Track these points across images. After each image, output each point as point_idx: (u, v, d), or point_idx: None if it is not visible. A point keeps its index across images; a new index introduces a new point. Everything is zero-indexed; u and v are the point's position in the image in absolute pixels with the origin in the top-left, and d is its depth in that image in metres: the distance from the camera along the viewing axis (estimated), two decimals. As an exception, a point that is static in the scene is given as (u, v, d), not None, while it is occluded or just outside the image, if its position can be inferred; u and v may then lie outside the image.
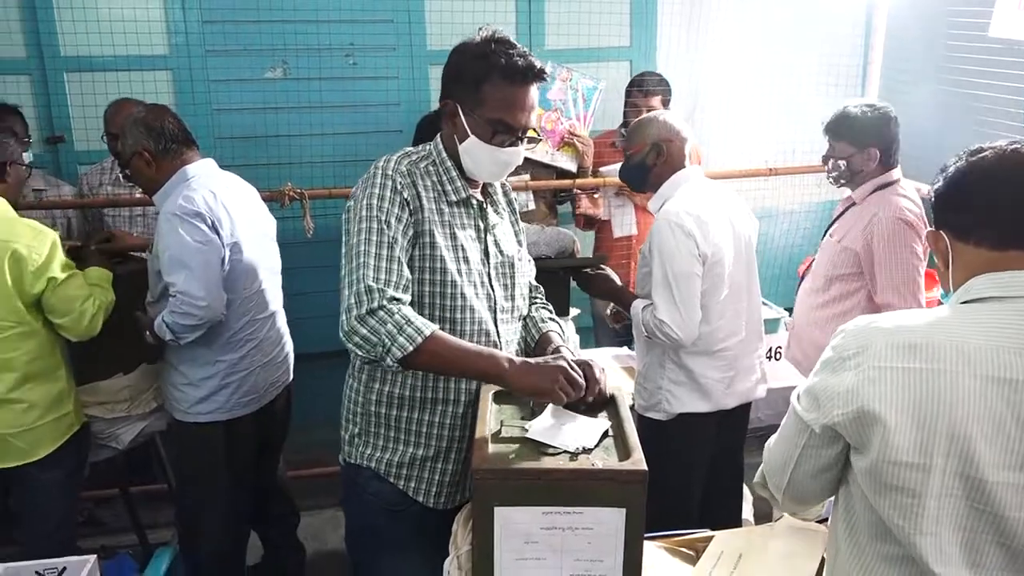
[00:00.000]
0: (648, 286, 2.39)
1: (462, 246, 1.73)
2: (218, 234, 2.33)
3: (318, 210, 3.23)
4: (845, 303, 2.70)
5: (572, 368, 1.60)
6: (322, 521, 3.36)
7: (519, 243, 1.92)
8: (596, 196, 3.55)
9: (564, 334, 1.95)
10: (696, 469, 2.54)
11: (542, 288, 2.05)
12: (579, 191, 3.51)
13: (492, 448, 1.50)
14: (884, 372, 1.16)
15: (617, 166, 3.46)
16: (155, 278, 2.40)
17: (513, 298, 1.85)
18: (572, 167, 3.48)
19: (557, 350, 1.77)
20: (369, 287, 1.58)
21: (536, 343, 1.89)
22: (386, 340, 1.56)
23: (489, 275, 1.79)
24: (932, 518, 1.14)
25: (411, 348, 1.56)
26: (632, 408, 2.16)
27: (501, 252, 1.82)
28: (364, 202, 1.66)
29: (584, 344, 3.28)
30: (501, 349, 1.77)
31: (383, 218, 1.64)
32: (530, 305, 1.97)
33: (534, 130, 1.76)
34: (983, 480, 1.12)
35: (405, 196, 1.68)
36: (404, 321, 1.57)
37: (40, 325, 2.30)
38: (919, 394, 1.14)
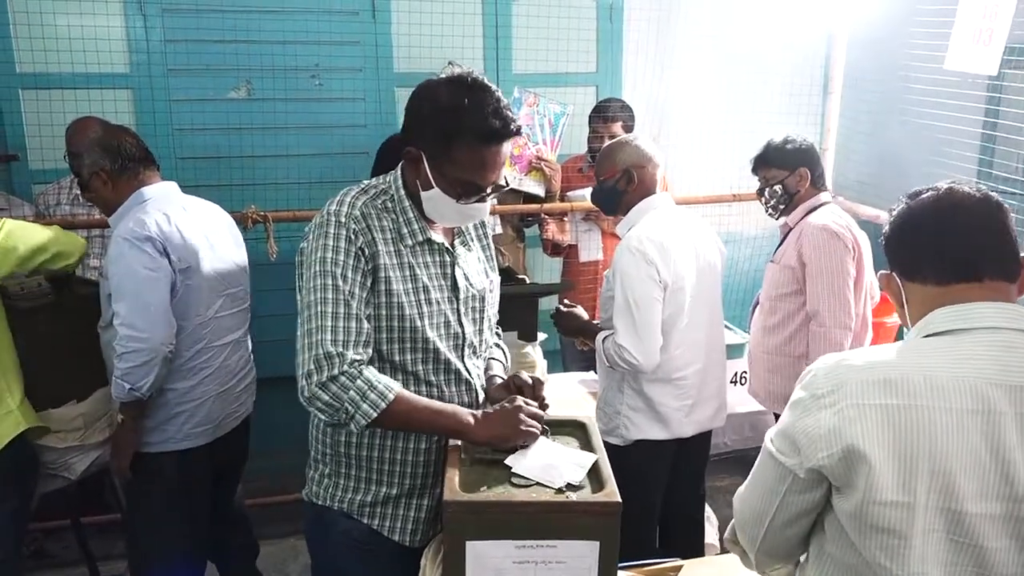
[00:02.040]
0: (611, 310, 2.40)
1: (424, 287, 1.66)
2: (168, 259, 2.27)
3: (282, 232, 3.18)
4: (791, 325, 2.75)
5: (527, 403, 1.62)
6: (283, 551, 3.27)
7: (489, 273, 1.86)
8: (564, 221, 3.56)
9: (506, 361, 1.95)
10: (654, 494, 2.55)
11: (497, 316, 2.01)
12: (546, 216, 3.51)
13: (463, 479, 1.47)
14: (863, 410, 1.15)
15: (584, 191, 3.50)
16: (106, 302, 2.33)
17: (482, 332, 1.80)
18: (540, 191, 3.49)
19: (504, 386, 1.76)
20: (328, 353, 1.53)
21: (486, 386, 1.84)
22: (349, 407, 1.53)
23: (458, 311, 1.72)
24: (919, 557, 1.14)
25: (375, 415, 1.53)
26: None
27: (471, 285, 1.75)
28: (318, 255, 1.58)
29: (551, 368, 3.27)
30: (473, 386, 1.74)
31: (338, 272, 1.57)
32: None
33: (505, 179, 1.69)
34: (963, 512, 1.12)
35: (360, 245, 1.60)
36: (367, 386, 1.53)
37: None
38: (899, 431, 1.14)
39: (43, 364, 2.48)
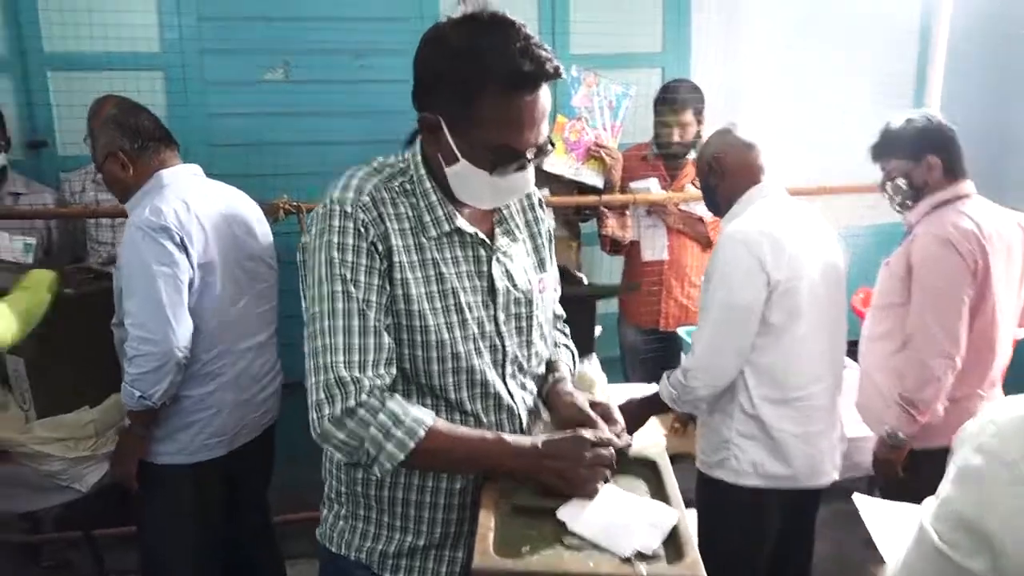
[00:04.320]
0: None
1: (452, 289, 1.34)
2: (187, 253, 2.02)
3: (317, 225, 2.91)
4: (899, 338, 2.33)
5: (597, 440, 1.29)
6: (312, 570, 3.01)
7: (543, 266, 1.51)
8: (625, 215, 3.22)
9: (574, 365, 1.62)
10: (765, 542, 2.15)
11: (563, 313, 1.69)
12: (605, 209, 3.18)
13: (500, 534, 1.17)
14: None
15: (648, 182, 3.16)
16: (119, 298, 2.10)
17: (530, 344, 1.45)
18: (598, 182, 3.15)
19: (575, 406, 1.42)
20: (341, 379, 1.23)
21: (545, 389, 1.52)
22: (371, 448, 1.23)
23: (496, 320, 1.39)
24: None
25: (402, 456, 1.24)
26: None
27: (514, 286, 1.42)
28: (322, 255, 1.28)
29: (611, 378, 2.92)
30: (516, 412, 1.42)
31: (348, 276, 1.26)
32: None
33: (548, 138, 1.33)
34: None
35: (372, 239, 1.28)
36: (391, 421, 1.24)
37: None
38: None
39: (53, 365, 2.28)
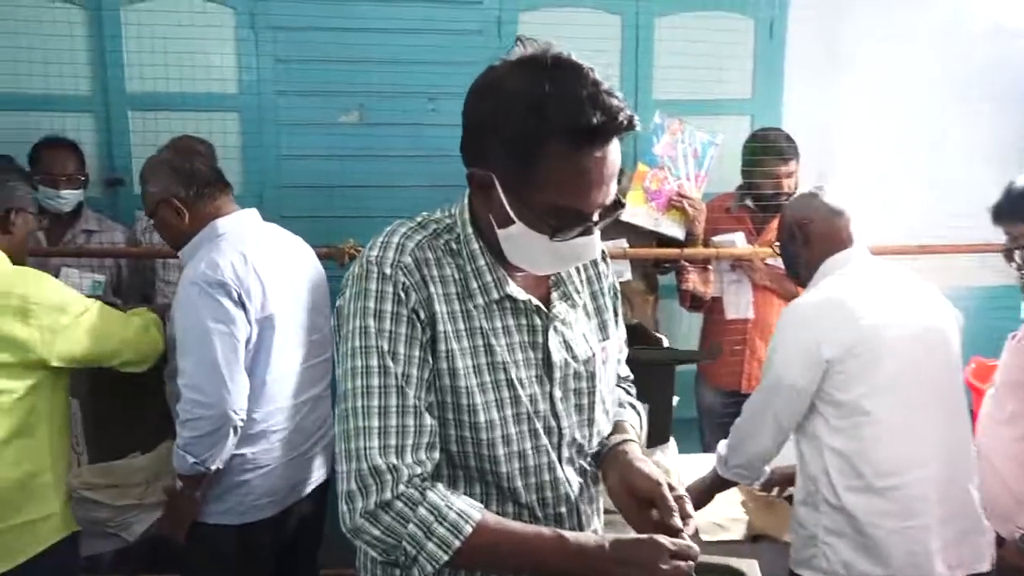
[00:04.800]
0: None
1: (503, 364, 1.18)
2: (244, 308, 1.92)
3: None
4: None
5: (677, 550, 1.09)
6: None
7: (605, 330, 1.33)
8: (708, 270, 3.02)
9: (640, 427, 1.42)
10: None
11: (630, 374, 1.50)
12: (687, 263, 2.98)
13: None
14: None
15: (735, 236, 2.96)
16: (172, 349, 2.01)
17: (591, 423, 1.28)
18: (679, 234, 2.96)
19: (650, 480, 1.20)
20: (376, 467, 1.09)
21: (603, 456, 1.32)
22: (410, 547, 1.08)
23: (551, 398, 1.22)
24: None
25: (446, 557, 1.08)
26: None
27: (574, 358, 1.25)
28: (357, 322, 1.14)
29: (686, 444, 2.69)
30: (572, 501, 1.25)
31: (386, 347, 1.12)
32: None
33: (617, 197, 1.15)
34: None
35: (413, 305, 1.14)
36: (433, 516, 1.08)
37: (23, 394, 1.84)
38: None
39: (105, 410, 2.21)
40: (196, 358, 1.87)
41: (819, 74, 3.45)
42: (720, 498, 2.10)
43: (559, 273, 1.27)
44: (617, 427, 1.35)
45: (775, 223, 2.98)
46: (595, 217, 1.12)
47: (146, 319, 2.08)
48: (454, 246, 1.20)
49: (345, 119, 3.31)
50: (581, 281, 1.32)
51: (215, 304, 1.87)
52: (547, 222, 1.11)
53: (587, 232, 1.14)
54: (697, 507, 1.78)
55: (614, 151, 1.09)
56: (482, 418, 1.16)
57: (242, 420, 1.90)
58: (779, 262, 2.91)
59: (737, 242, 2.94)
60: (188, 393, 1.87)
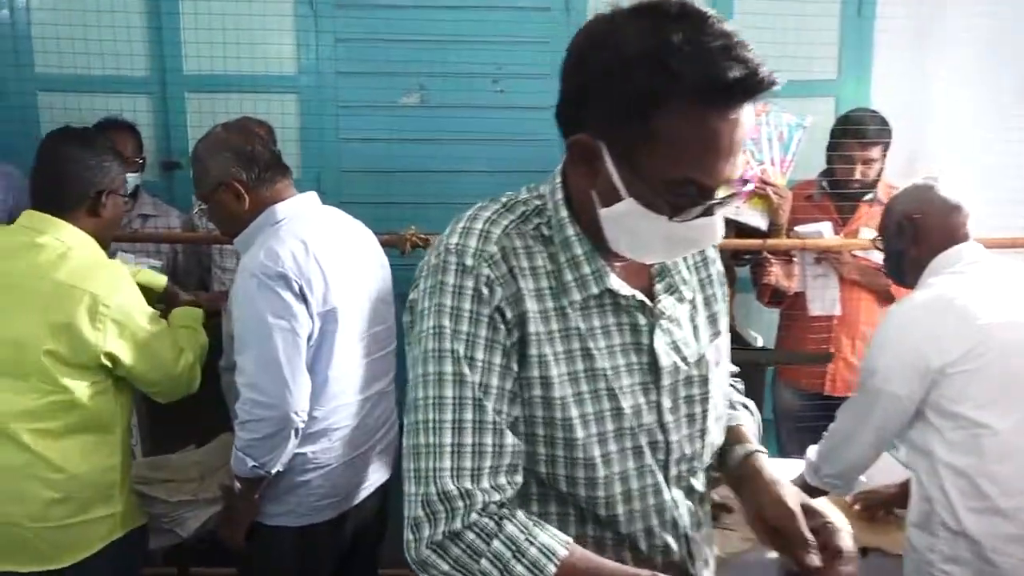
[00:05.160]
0: None
1: (603, 372, 1.02)
2: (306, 302, 1.79)
3: (445, 259, 2.68)
4: None
5: None
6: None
7: (715, 325, 1.16)
8: (792, 262, 2.81)
9: (755, 429, 1.25)
10: None
11: (736, 367, 1.32)
12: (769, 255, 2.78)
13: None
14: None
15: (821, 226, 2.76)
16: (229, 342, 1.90)
17: (703, 435, 1.11)
18: (762, 224, 2.76)
19: (784, 507, 1.03)
20: (446, 492, 0.94)
21: (734, 461, 1.16)
22: None
23: (659, 408, 1.06)
24: None
25: None
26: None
27: (684, 361, 1.08)
28: (431, 322, 0.98)
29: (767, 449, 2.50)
30: (681, 530, 1.09)
31: (463, 352, 0.97)
32: None
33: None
34: None
35: (498, 303, 0.98)
36: (511, 551, 0.92)
37: (91, 392, 1.82)
38: None
39: (159, 402, 2.12)
40: (256, 355, 1.75)
41: (910, 52, 3.22)
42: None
43: (665, 265, 1.10)
44: (736, 435, 1.19)
45: (860, 213, 2.79)
46: (719, 194, 0.96)
47: (196, 349, 2.01)
48: (545, 232, 1.03)
49: (406, 100, 3.17)
50: (688, 269, 1.14)
51: (275, 298, 1.75)
52: (665, 198, 0.94)
53: (709, 212, 0.97)
54: None
55: (748, 115, 0.93)
56: (579, 434, 1.00)
57: (303, 421, 1.79)
58: (870, 255, 2.71)
59: (824, 233, 2.74)
60: (247, 393, 1.76)
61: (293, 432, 1.77)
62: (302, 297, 1.77)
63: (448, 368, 0.97)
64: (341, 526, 1.99)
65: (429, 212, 2.99)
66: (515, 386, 1.00)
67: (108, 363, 1.80)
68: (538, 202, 1.06)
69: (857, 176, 2.75)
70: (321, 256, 1.83)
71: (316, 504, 1.92)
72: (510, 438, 0.98)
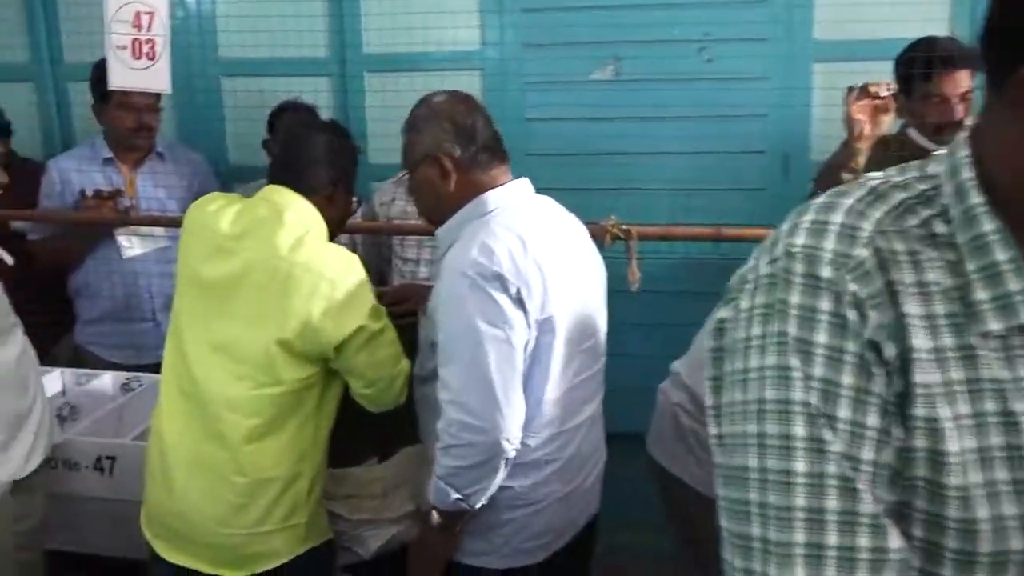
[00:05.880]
0: None
1: (1018, 424, 0.68)
2: (524, 309, 1.50)
3: (647, 253, 2.34)
4: None
5: None
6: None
7: None
8: None
9: None
10: None
11: None
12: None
13: None
14: None
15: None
16: (427, 349, 1.66)
17: None
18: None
19: None
20: None
21: None
22: None
23: None
24: None
25: None
26: None
27: None
28: (765, 359, 0.69)
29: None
30: None
31: (819, 406, 0.66)
32: None
33: None
34: None
35: (870, 335, 0.67)
36: None
37: (300, 387, 1.68)
38: None
39: (343, 409, 1.93)
40: (464, 369, 1.49)
41: None
42: None
43: None
44: None
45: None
46: None
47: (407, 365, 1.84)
48: (940, 230, 0.70)
49: (599, 75, 2.85)
50: None
51: (490, 302, 1.47)
52: None
53: None
54: None
55: None
56: (987, 514, 0.66)
57: (515, 449, 1.52)
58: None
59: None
60: (453, 413, 1.50)
61: (503, 462, 1.51)
62: (519, 302, 1.49)
63: (798, 431, 0.66)
64: (547, 569, 1.70)
65: (627, 199, 2.70)
66: (899, 462, 0.67)
67: (333, 355, 1.66)
68: (925, 186, 0.72)
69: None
70: (540, 255, 1.54)
71: (522, 545, 1.64)
72: (894, 539, 0.66)
